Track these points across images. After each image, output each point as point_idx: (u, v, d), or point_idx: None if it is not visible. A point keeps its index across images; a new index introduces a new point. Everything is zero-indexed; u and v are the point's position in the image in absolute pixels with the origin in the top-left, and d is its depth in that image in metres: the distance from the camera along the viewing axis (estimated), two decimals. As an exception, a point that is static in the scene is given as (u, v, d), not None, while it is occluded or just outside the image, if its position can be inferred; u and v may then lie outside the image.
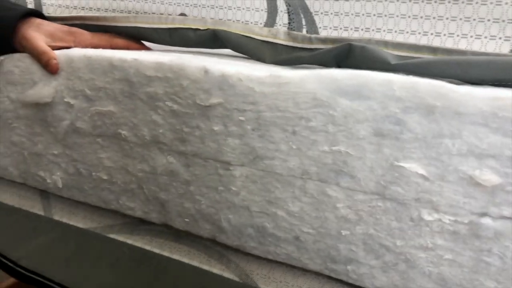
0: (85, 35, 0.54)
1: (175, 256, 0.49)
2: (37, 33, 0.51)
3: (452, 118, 0.33)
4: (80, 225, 0.55)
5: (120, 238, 0.52)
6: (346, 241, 0.39)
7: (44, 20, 0.54)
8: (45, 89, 0.51)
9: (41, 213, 0.57)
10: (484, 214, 0.33)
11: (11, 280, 1.11)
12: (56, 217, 0.56)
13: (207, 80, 0.42)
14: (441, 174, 0.34)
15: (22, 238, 0.53)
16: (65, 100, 0.50)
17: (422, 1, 0.47)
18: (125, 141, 0.48)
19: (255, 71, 0.41)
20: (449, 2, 0.46)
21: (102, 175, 0.51)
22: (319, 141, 0.38)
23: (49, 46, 0.51)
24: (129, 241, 0.51)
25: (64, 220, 0.56)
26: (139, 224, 0.52)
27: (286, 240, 0.42)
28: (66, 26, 0.54)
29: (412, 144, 0.35)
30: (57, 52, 0.51)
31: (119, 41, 0.54)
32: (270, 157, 0.41)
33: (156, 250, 0.50)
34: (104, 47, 0.53)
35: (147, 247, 0.50)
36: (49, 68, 0.50)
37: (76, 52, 0.50)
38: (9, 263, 0.50)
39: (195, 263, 0.48)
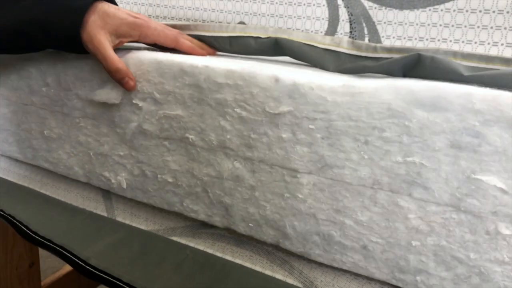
0: (151, 29, 0.50)
1: (238, 261, 0.50)
2: (102, 33, 0.49)
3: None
4: (143, 227, 0.56)
5: (182, 240, 0.53)
6: (416, 252, 0.39)
7: (109, 6, 0.50)
8: (114, 91, 0.53)
9: (104, 214, 0.59)
10: None
11: (66, 268, 1.15)
12: (119, 219, 0.58)
13: (278, 88, 0.43)
14: (522, 188, 0.34)
15: (89, 238, 0.55)
16: (134, 101, 0.52)
17: (493, 12, 0.47)
18: (192, 145, 0.49)
19: (327, 80, 0.41)
20: (521, 13, 0.45)
21: (167, 177, 0.52)
22: (392, 151, 0.39)
23: (114, 45, 0.51)
24: (191, 244, 0.52)
25: (127, 221, 0.58)
26: (201, 228, 0.53)
27: (353, 249, 0.42)
28: (132, 15, 0.51)
29: (491, 157, 0.35)
30: (126, 52, 0.51)
31: (185, 43, 0.52)
32: (339, 166, 0.41)
33: (219, 254, 0.51)
34: (169, 45, 0.53)
35: (209, 251, 0.51)
36: (125, 86, 0.50)
37: (147, 55, 0.51)
38: (81, 262, 0.52)
39: (257, 268, 0.48)
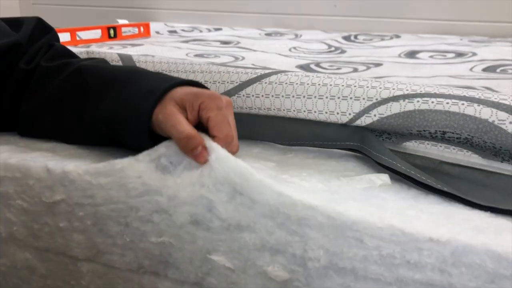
0: (214, 103, 0.42)
1: None
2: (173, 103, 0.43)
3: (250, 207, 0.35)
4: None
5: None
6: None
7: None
8: None
9: None
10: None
11: None
12: None
13: (50, 178, 0.44)
14: (243, 267, 0.35)
15: None
16: None
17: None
18: (-15, 238, 0.49)
19: (95, 163, 0.42)
20: None
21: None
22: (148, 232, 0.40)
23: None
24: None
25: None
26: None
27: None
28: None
29: (219, 236, 0.36)
30: None
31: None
32: (109, 252, 0.42)
33: None
34: (211, 126, 0.42)
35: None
36: (198, 159, 0.40)
37: None
38: None
39: None
